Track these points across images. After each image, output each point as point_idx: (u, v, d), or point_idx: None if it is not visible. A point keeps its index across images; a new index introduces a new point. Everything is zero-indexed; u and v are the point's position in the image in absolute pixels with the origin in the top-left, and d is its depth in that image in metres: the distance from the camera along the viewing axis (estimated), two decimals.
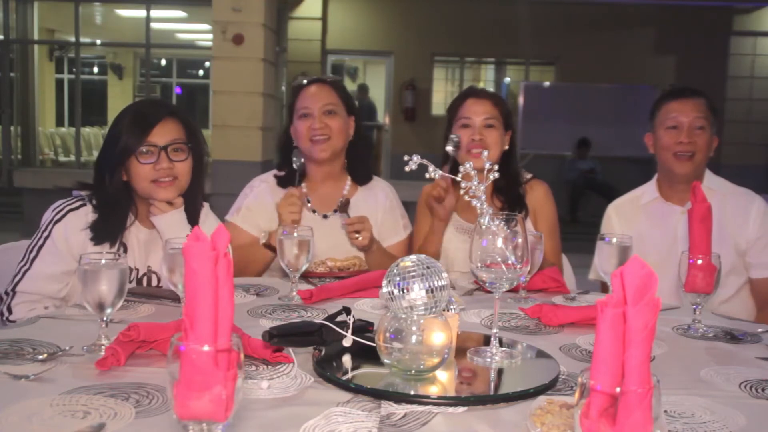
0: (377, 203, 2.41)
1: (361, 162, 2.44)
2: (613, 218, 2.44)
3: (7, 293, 1.82)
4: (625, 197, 2.50)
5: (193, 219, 1.96)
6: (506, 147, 2.34)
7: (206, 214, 2.07)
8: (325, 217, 2.35)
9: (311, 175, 2.38)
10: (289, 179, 2.35)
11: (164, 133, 1.88)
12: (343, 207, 2.20)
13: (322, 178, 2.38)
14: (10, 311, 1.78)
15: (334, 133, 2.29)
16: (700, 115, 2.28)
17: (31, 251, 1.84)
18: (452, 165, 2.22)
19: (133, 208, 1.93)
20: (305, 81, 2.38)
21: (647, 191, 2.43)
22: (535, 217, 2.34)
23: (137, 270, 1.93)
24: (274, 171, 2.43)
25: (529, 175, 2.41)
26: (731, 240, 2.23)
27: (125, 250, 1.90)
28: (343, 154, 2.39)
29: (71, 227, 1.84)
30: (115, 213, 1.88)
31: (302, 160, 2.30)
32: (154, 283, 1.94)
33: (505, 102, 2.42)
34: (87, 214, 1.86)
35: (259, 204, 2.33)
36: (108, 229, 1.86)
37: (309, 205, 2.36)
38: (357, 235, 2.14)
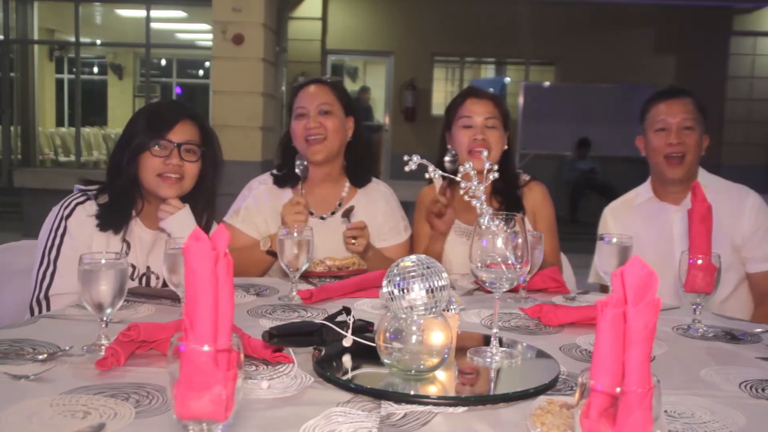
0: (377, 207, 2.39)
1: (360, 164, 2.42)
2: (609, 221, 2.44)
3: (39, 302, 1.77)
4: (620, 199, 2.50)
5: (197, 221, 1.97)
6: (505, 146, 2.34)
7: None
8: (322, 218, 2.33)
9: (309, 176, 2.37)
10: (286, 179, 2.34)
11: (181, 132, 1.92)
12: (347, 213, 2.21)
13: (319, 180, 2.37)
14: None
15: (329, 133, 2.28)
16: (688, 116, 2.28)
17: (49, 253, 1.81)
18: (450, 179, 2.22)
19: (138, 203, 1.94)
20: (303, 81, 2.38)
21: (641, 192, 2.43)
22: (533, 218, 2.35)
23: (138, 269, 1.94)
24: (272, 171, 2.42)
25: (527, 177, 2.41)
26: (727, 236, 2.23)
27: (128, 248, 1.92)
28: (341, 155, 2.37)
29: (82, 219, 1.85)
30: (122, 202, 1.90)
31: (305, 163, 2.25)
32: (153, 283, 1.95)
33: (504, 102, 2.42)
34: (93, 207, 1.88)
35: (257, 206, 2.33)
36: (113, 217, 1.88)
37: None
38: (353, 241, 2.14)
